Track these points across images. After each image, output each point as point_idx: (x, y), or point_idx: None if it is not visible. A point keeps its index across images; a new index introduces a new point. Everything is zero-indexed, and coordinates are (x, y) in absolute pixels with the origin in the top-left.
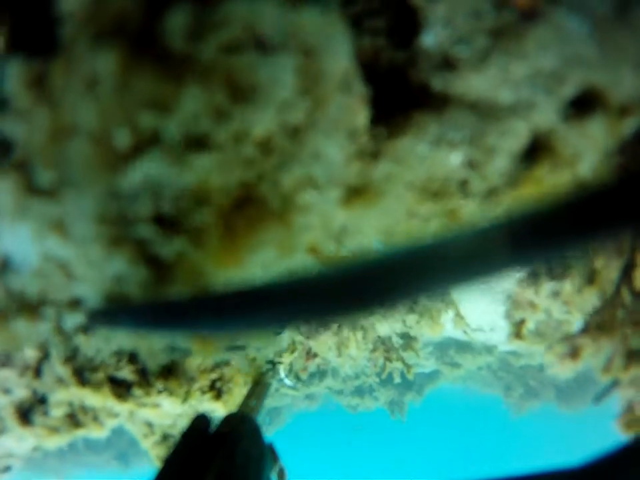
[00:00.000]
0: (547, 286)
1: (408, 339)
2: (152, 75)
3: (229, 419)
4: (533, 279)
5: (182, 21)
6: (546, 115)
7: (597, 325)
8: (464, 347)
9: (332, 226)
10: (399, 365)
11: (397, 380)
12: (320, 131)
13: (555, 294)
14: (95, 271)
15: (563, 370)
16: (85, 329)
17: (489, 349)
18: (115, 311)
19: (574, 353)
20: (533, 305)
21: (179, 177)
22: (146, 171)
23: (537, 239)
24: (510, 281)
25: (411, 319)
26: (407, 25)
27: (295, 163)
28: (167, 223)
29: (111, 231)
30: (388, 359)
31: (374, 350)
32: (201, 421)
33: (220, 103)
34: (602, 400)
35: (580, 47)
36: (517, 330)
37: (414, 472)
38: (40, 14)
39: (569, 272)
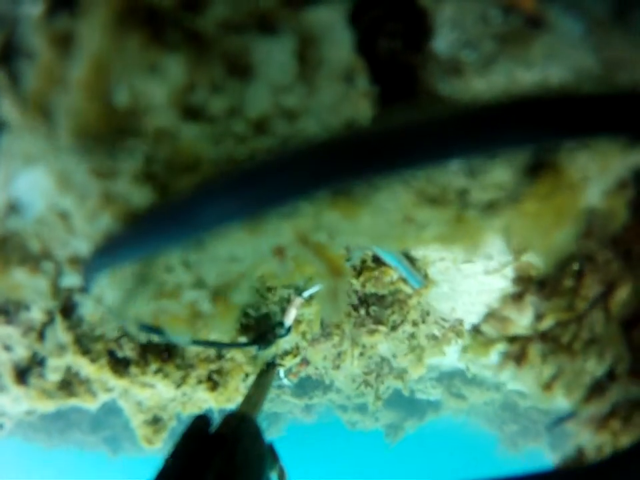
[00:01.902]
0: (530, 306)
1: (401, 370)
2: (142, 37)
3: (229, 419)
4: (518, 297)
5: None
6: None
7: (555, 337)
8: (472, 380)
9: (323, 217)
10: (371, 391)
11: (371, 405)
12: (314, 117)
13: (538, 317)
14: (90, 225)
15: (500, 371)
16: (81, 290)
17: (497, 386)
18: (101, 251)
19: (521, 357)
20: (506, 321)
21: (171, 141)
22: (142, 129)
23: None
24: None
25: (401, 349)
26: (419, 28)
27: (287, 146)
28: (155, 184)
29: (103, 186)
30: (366, 382)
31: (366, 371)
32: (201, 421)
33: (216, 76)
34: (555, 429)
35: (579, 54)
36: (477, 341)
37: None
38: None
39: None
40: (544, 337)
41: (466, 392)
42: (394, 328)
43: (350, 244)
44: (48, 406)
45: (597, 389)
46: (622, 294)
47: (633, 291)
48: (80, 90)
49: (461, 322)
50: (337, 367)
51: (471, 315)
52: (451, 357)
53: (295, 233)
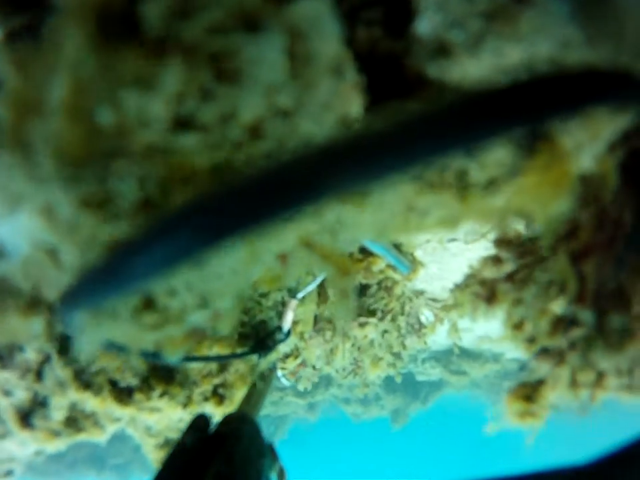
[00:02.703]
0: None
1: (395, 356)
2: (132, 53)
3: (229, 419)
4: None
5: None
6: None
7: (522, 279)
8: (470, 354)
9: (324, 217)
10: (359, 380)
11: (359, 393)
12: (309, 115)
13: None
14: (82, 259)
15: (473, 313)
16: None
17: (495, 357)
18: (79, 285)
19: (491, 297)
20: (483, 283)
21: (167, 157)
22: (136, 150)
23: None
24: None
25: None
26: (400, 12)
27: (283, 148)
28: (149, 202)
29: (95, 215)
30: (355, 372)
31: (354, 361)
32: (200, 421)
33: (205, 83)
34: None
35: (566, 29)
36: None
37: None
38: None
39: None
40: (510, 277)
41: (465, 367)
42: (381, 319)
43: (352, 239)
44: (57, 445)
45: (559, 324)
46: (584, 236)
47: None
48: (61, 113)
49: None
50: (329, 363)
51: None
52: (443, 335)
53: (298, 237)
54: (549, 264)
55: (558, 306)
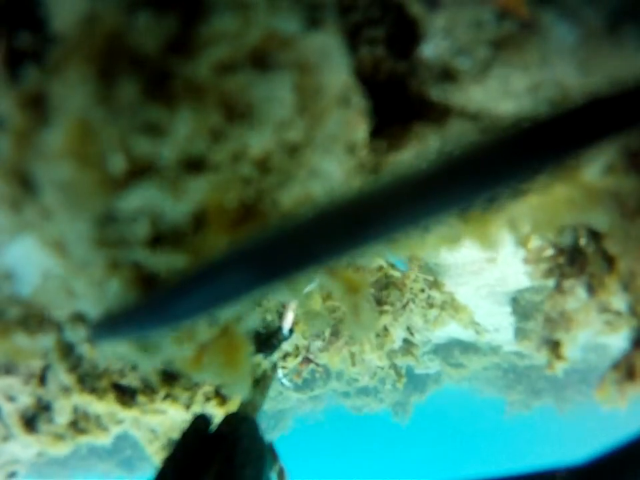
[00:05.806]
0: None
1: (408, 344)
2: (141, 97)
3: (229, 419)
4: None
5: (157, 32)
6: None
7: None
8: (469, 347)
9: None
10: (390, 372)
11: (398, 384)
12: (318, 147)
13: (589, 287)
14: (96, 290)
15: (624, 398)
16: (89, 341)
17: (494, 349)
18: (115, 319)
19: (631, 374)
20: (567, 318)
21: (178, 202)
22: (143, 197)
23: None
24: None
25: (429, 315)
26: (406, 35)
27: (294, 180)
28: (165, 242)
29: (108, 254)
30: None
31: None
32: (200, 421)
33: (215, 124)
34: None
35: (570, 57)
36: (556, 352)
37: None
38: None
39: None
40: (637, 343)
41: (464, 360)
42: (404, 306)
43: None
44: (62, 448)
45: None
46: None
47: None
48: (65, 158)
49: (451, 295)
50: (360, 361)
51: (459, 287)
52: (442, 328)
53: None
54: None
55: None
